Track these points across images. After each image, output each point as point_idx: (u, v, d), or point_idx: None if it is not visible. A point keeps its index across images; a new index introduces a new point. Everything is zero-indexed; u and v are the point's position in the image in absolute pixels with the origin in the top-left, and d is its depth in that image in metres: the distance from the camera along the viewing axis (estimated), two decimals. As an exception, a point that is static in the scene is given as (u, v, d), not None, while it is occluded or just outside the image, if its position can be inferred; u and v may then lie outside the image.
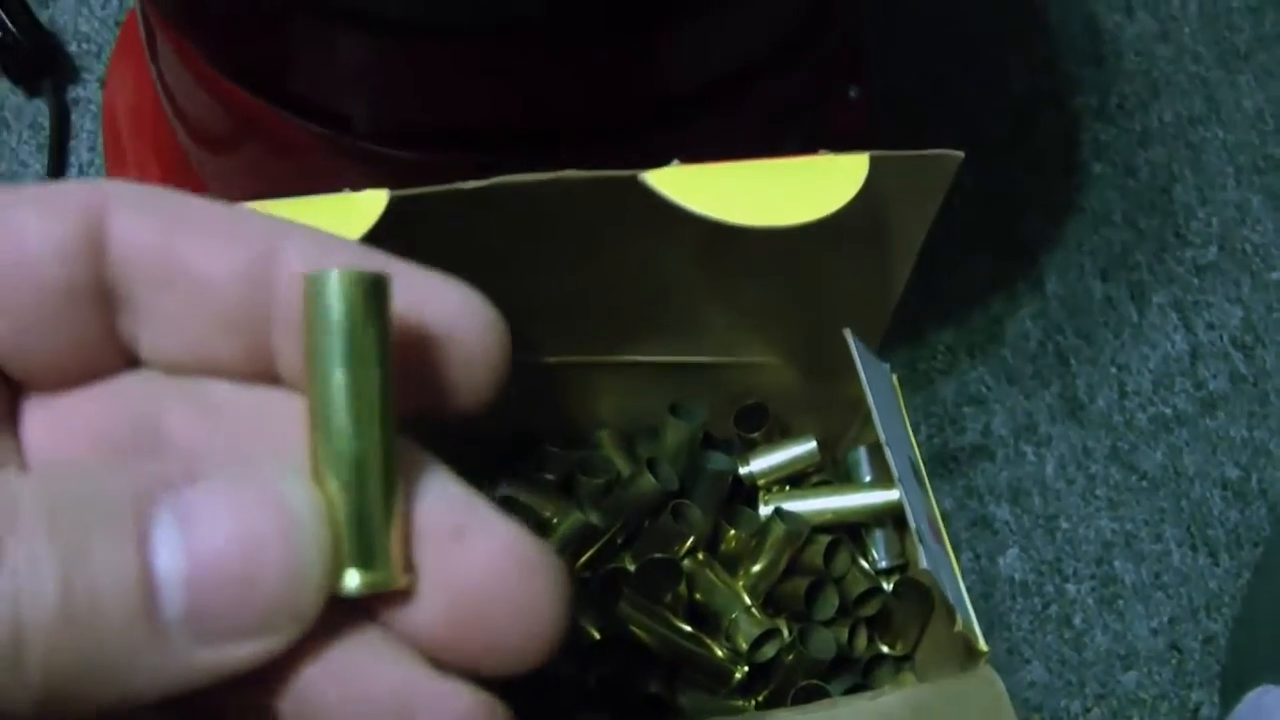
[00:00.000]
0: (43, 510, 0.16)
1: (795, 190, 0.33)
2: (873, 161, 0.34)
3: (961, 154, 0.35)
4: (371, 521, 0.18)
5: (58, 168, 0.59)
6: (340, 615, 0.18)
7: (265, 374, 0.19)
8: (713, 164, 0.34)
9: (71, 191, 0.19)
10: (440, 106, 0.43)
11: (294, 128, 0.46)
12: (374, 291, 0.18)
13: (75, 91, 0.62)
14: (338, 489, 0.18)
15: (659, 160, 0.34)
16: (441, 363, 0.20)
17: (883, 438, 0.35)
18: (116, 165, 0.58)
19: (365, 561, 0.18)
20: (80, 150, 0.60)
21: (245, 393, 0.20)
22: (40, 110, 0.61)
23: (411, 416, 0.19)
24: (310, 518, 0.17)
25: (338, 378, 0.18)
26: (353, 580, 0.18)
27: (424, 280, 0.20)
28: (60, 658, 0.16)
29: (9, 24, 0.59)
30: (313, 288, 0.18)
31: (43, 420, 0.20)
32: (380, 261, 0.20)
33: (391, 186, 0.33)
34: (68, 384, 0.20)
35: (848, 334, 0.37)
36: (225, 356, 0.19)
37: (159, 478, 0.17)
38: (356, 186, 0.34)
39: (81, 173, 0.60)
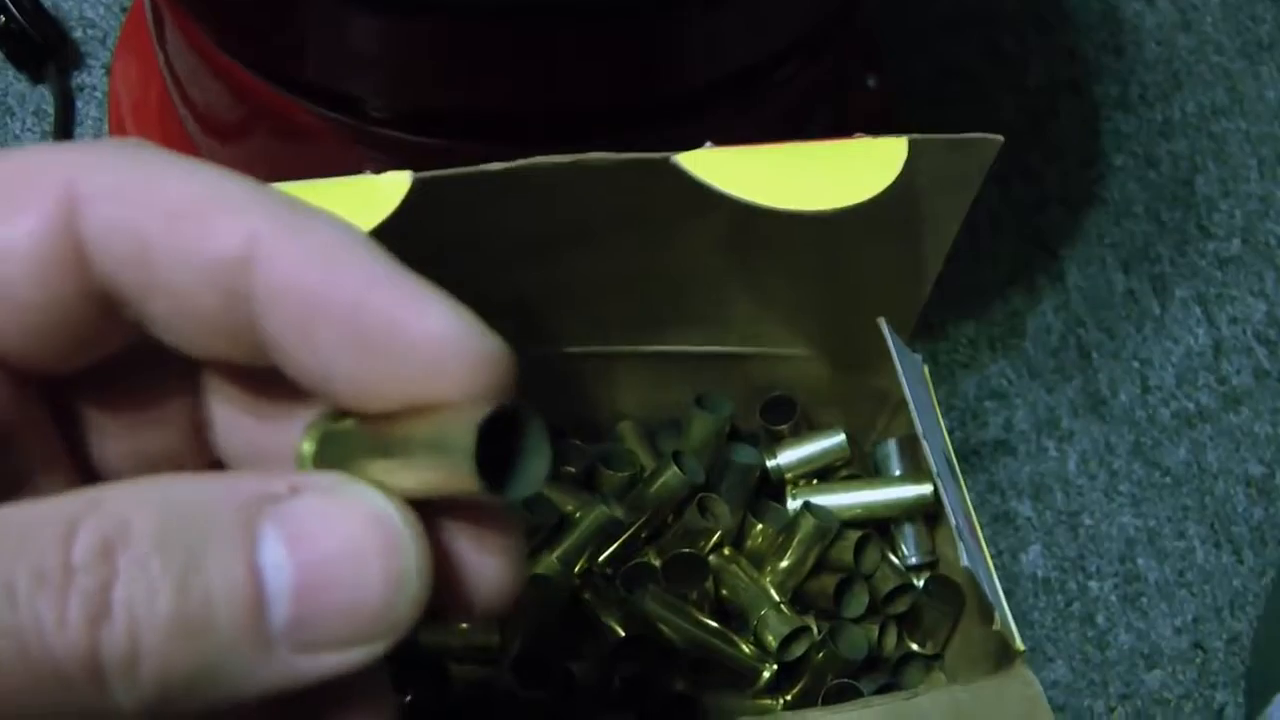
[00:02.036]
0: (153, 525, 0.17)
1: (831, 174, 0.32)
2: (911, 146, 0.33)
3: (1000, 139, 0.34)
4: None
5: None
6: None
7: (264, 361, 0.19)
8: (747, 146, 0.33)
9: (37, 185, 0.18)
10: (459, 91, 0.42)
11: (306, 113, 0.45)
12: None
13: (80, 78, 0.61)
14: None
15: (680, 149, 0.33)
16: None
17: (919, 430, 0.34)
18: (122, 153, 0.57)
19: None
20: (85, 138, 0.59)
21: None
22: (44, 97, 0.60)
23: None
24: (408, 533, 0.18)
25: None
26: None
27: (411, 299, 0.18)
28: (172, 667, 0.16)
29: (13, 9, 0.58)
30: None
31: (100, 420, 0.21)
32: (365, 261, 0.18)
33: (410, 173, 0.32)
34: (89, 363, 0.20)
35: (882, 323, 0.36)
36: (223, 351, 0.19)
37: (264, 490, 0.17)
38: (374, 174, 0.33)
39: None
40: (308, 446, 0.19)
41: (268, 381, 0.19)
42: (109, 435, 0.21)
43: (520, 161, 0.32)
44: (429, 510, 0.18)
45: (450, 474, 0.17)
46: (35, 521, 0.16)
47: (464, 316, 0.18)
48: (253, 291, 0.18)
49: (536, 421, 0.18)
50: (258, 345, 0.18)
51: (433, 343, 0.18)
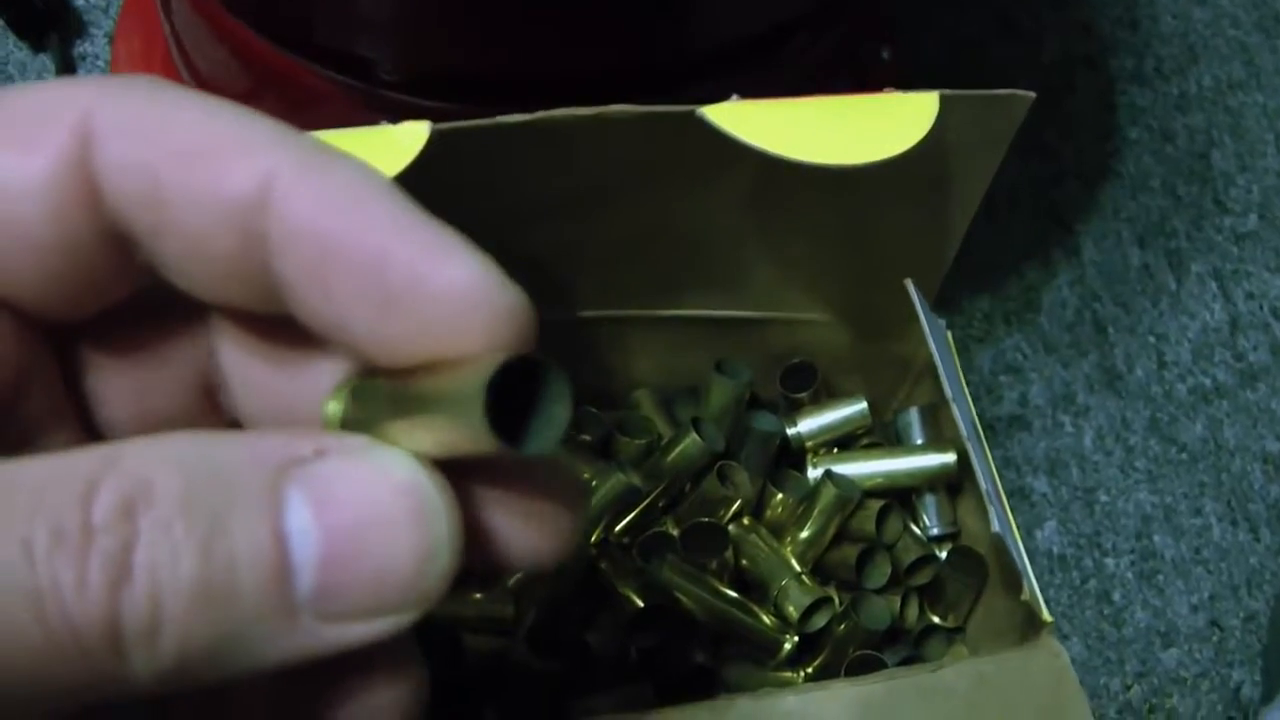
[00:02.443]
0: (176, 486, 0.16)
1: (861, 129, 0.32)
2: (943, 101, 0.32)
3: (1032, 94, 0.33)
4: None
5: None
6: None
7: (279, 308, 0.18)
8: (774, 100, 0.32)
9: (51, 121, 0.17)
10: (471, 52, 0.41)
11: (314, 77, 0.44)
12: None
13: (82, 47, 0.60)
14: None
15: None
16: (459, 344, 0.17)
17: (948, 393, 0.33)
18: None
19: None
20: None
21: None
22: (46, 66, 0.59)
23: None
24: (440, 501, 0.17)
25: None
26: None
27: (433, 247, 0.17)
28: (193, 635, 0.16)
29: (14, -23, 0.57)
30: None
31: (103, 364, 0.20)
32: (386, 205, 0.17)
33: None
34: (99, 309, 0.19)
35: (909, 284, 0.35)
36: (237, 297, 0.18)
37: (290, 452, 0.17)
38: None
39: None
40: (334, 405, 0.18)
41: (282, 330, 0.19)
42: (116, 391, 0.20)
43: (541, 113, 0.31)
44: (460, 474, 0.18)
45: (465, 431, 0.16)
46: (53, 478, 0.16)
47: (486, 266, 0.17)
48: (268, 234, 0.17)
49: (556, 372, 0.17)
50: (272, 291, 0.18)
51: (454, 293, 0.17)
